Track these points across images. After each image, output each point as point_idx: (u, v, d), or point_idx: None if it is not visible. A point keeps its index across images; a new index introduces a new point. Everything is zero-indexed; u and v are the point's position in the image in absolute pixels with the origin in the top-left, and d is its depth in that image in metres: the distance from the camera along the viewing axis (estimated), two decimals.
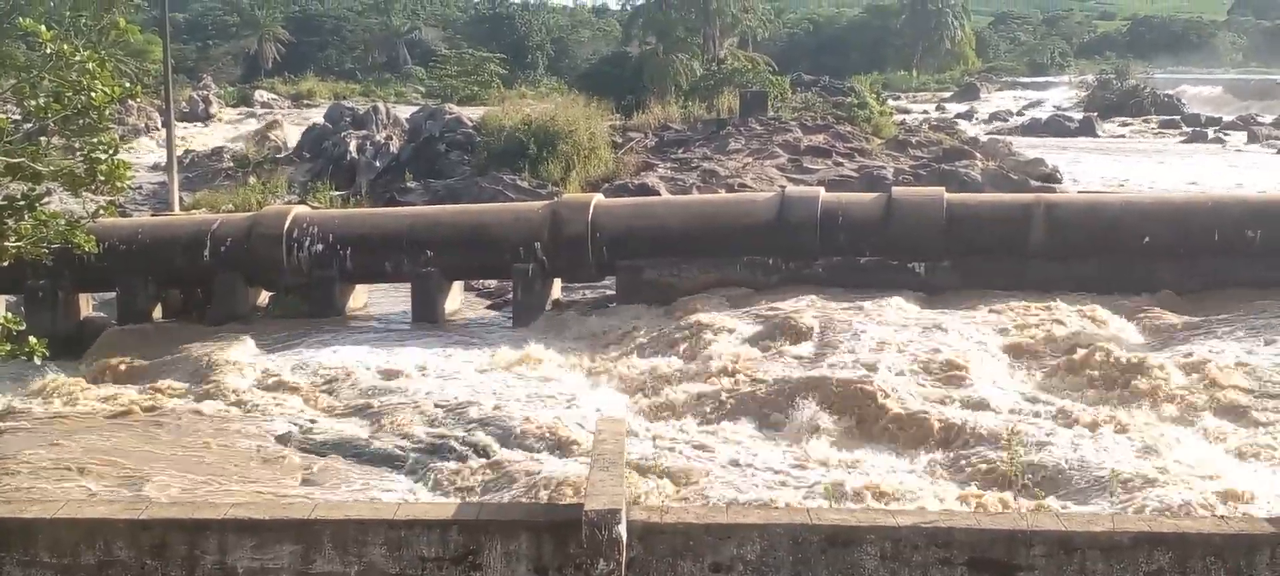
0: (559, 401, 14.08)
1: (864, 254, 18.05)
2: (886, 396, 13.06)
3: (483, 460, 12.20)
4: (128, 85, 10.35)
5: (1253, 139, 47.44)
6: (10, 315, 9.09)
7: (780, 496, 10.76)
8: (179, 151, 32.72)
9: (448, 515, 7.28)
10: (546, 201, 20.89)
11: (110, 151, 9.45)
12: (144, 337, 17.81)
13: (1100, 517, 7.95)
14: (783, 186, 23.59)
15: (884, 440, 12.47)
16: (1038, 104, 65.45)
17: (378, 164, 32.97)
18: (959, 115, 58.29)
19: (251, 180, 31.78)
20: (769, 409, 13.31)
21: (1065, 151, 41.24)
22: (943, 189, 19.71)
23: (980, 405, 12.96)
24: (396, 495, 11.44)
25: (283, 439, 13.28)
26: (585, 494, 7.09)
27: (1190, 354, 14.39)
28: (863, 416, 12.91)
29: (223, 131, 51.63)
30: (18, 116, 10.51)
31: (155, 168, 36.05)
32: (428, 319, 18.56)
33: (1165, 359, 14.26)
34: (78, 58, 9.28)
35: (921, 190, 20.74)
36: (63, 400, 14.82)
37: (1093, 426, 12.23)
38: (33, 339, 9.14)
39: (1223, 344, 14.78)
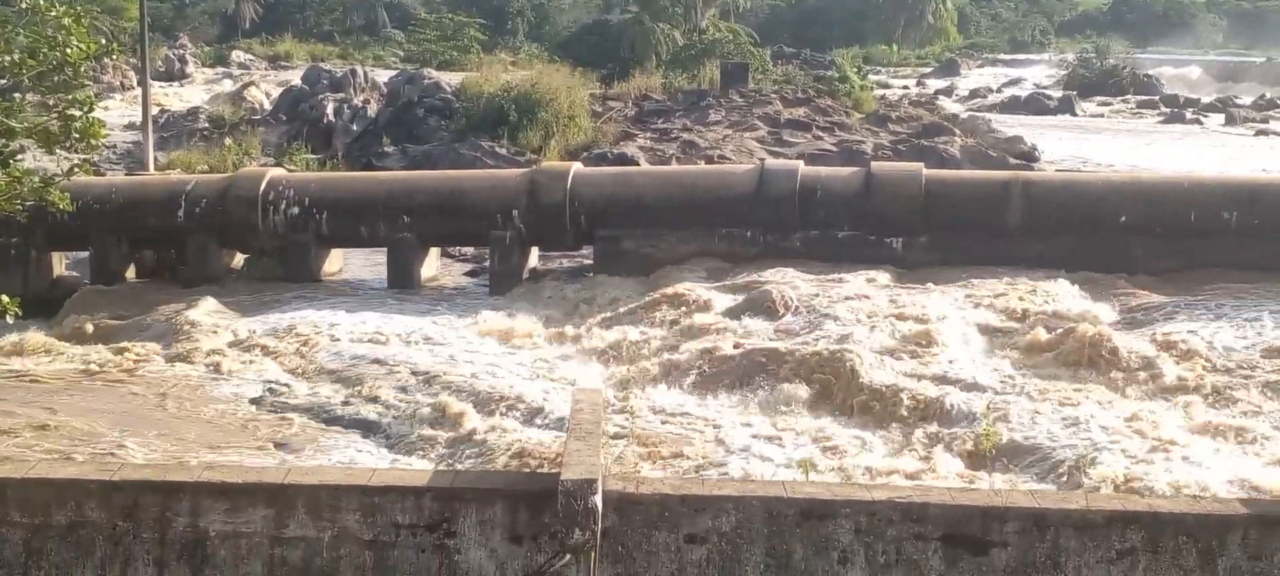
0: (535, 370, 14.07)
1: (842, 228, 18.08)
2: (863, 370, 13.08)
3: (458, 427, 12.17)
4: (103, 43, 10.24)
5: (1230, 121, 47.56)
6: None
7: (756, 468, 10.78)
8: (154, 111, 32.39)
9: (422, 482, 7.26)
10: (525, 169, 20.80)
11: (85, 109, 9.35)
12: (117, 298, 17.68)
13: (1074, 495, 7.99)
14: (762, 159, 23.54)
15: (859, 413, 12.50)
16: (1017, 82, 65.37)
17: (355, 128, 32.66)
18: (939, 91, 58.28)
19: (227, 141, 31.44)
20: (746, 381, 13.33)
21: (1044, 130, 41.30)
22: (921, 165, 19.70)
23: (955, 380, 13.02)
24: (370, 460, 11.41)
25: (256, 401, 13.24)
26: (561, 463, 7.07)
27: (1164, 333, 14.46)
28: (838, 390, 12.94)
29: (198, 91, 51.14)
30: None
31: (130, 127, 35.66)
32: (404, 284, 18.48)
33: (1139, 337, 14.34)
34: (53, 13, 9.18)
35: (900, 166, 20.70)
36: (34, 359, 14.73)
37: (1066, 403, 12.31)
38: (4, 297, 9.05)
39: (1196, 324, 14.85)
